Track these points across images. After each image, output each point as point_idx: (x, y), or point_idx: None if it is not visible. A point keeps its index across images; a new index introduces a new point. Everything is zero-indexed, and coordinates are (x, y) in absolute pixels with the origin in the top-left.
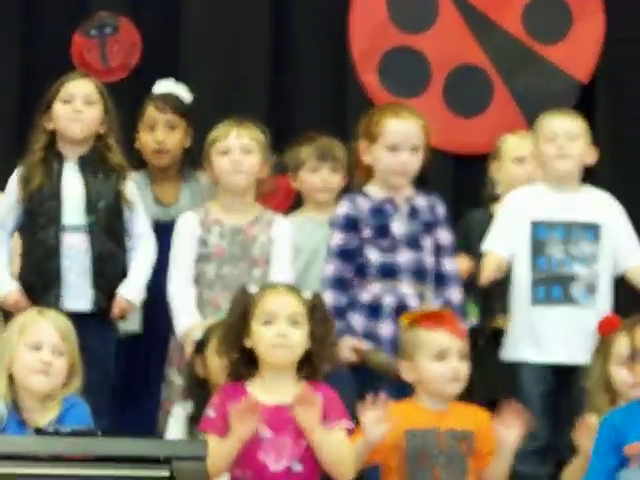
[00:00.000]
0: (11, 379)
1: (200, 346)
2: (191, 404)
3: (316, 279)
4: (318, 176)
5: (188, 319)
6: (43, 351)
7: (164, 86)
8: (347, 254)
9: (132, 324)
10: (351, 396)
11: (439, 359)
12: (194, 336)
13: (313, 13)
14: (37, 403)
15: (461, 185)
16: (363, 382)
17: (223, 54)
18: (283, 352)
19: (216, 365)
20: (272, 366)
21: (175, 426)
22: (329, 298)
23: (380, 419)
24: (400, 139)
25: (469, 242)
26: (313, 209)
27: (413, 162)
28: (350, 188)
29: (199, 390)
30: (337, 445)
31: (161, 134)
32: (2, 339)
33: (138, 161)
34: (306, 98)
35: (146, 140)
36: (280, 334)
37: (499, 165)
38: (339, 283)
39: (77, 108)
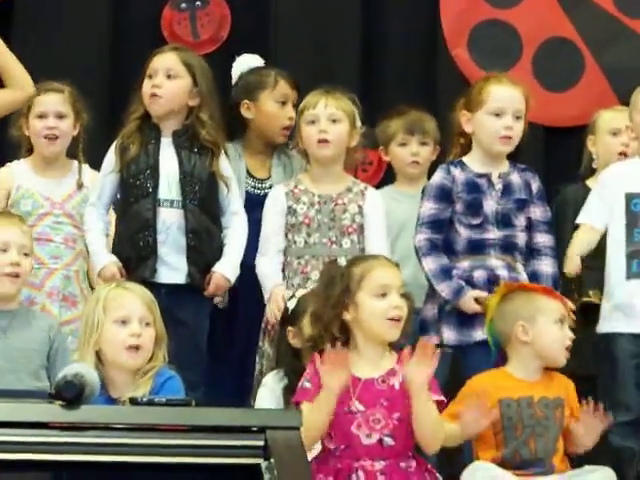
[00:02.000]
0: (97, 356)
1: (294, 317)
2: (282, 374)
3: (404, 251)
4: (407, 149)
5: (275, 282)
6: (133, 324)
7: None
8: (438, 224)
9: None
10: (444, 371)
11: (558, 325)
12: (286, 304)
13: None
14: (128, 379)
15: (552, 158)
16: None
17: (314, 29)
18: (398, 325)
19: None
20: (378, 340)
21: (266, 395)
22: (430, 264)
23: (480, 416)
24: (505, 104)
25: (565, 216)
26: (404, 183)
27: (517, 128)
28: (443, 161)
29: (293, 360)
30: (434, 416)
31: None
32: (84, 315)
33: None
34: (397, 73)
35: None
36: (397, 306)
37: (595, 139)
38: (434, 249)
39: (155, 83)
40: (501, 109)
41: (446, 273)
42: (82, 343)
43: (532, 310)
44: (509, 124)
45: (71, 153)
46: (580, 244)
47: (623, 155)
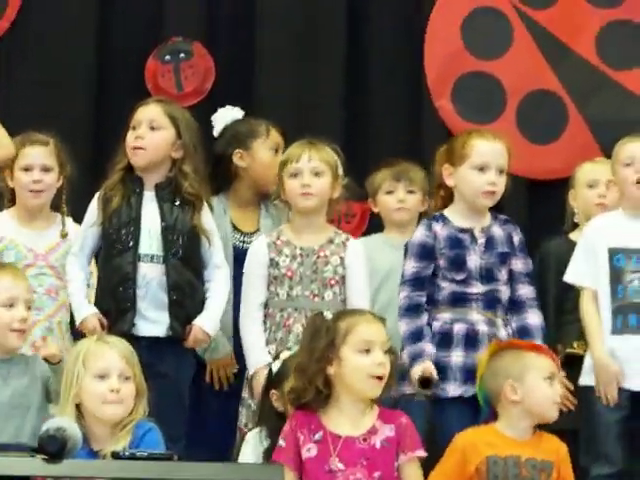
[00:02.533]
0: (77, 409)
1: (277, 379)
2: (265, 432)
3: (387, 300)
4: (394, 196)
5: (258, 357)
6: (112, 379)
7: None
8: (419, 282)
9: (224, 347)
10: (423, 425)
11: (547, 381)
12: (272, 367)
13: (388, 40)
14: (107, 432)
15: (535, 211)
16: (437, 410)
17: (298, 81)
18: (380, 383)
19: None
20: (359, 396)
21: (249, 452)
22: (403, 326)
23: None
24: (488, 159)
25: (547, 269)
26: (392, 231)
27: (500, 183)
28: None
29: (276, 422)
30: None
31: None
32: (65, 368)
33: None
34: (382, 125)
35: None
36: (381, 363)
37: (575, 193)
38: (413, 309)
39: (138, 134)
40: (485, 164)
41: (415, 335)
42: (63, 396)
43: (521, 368)
44: (493, 179)
45: (54, 204)
46: (597, 326)
47: (601, 206)
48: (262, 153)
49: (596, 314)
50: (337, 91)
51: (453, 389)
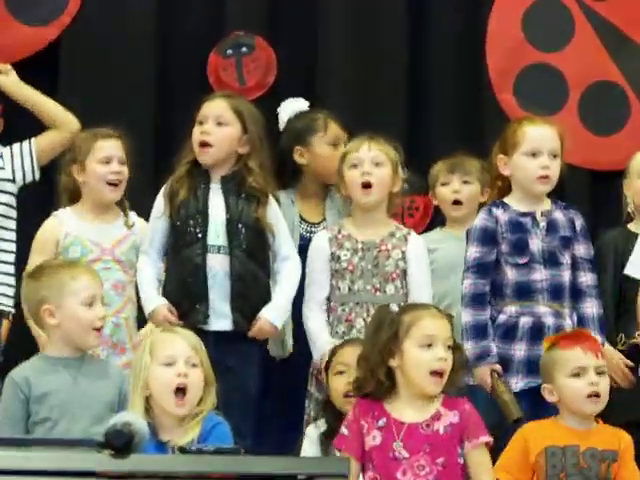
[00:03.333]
0: (147, 402)
1: (326, 367)
2: (323, 421)
3: (450, 293)
4: (449, 188)
5: (324, 345)
6: (179, 364)
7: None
8: (483, 268)
9: (285, 346)
10: (491, 412)
11: (576, 376)
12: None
13: (450, 33)
14: (176, 422)
15: (599, 203)
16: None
17: (360, 73)
18: (440, 380)
19: (336, 386)
20: (420, 391)
21: (309, 446)
22: (467, 316)
23: None
24: (539, 144)
25: (602, 260)
26: (451, 225)
27: (554, 167)
28: None
29: (330, 408)
30: None
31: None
32: (134, 361)
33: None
34: (444, 118)
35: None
36: (441, 358)
37: (628, 182)
38: (477, 299)
39: (205, 129)
40: (537, 149)
41: (479, 331)
42: (132, 388)
43: (551, 368)
44: (546, 163)
45: None
46: None
47: None
48: (321, 149)
49: None
50: (400, 85)
51: (515, 382)
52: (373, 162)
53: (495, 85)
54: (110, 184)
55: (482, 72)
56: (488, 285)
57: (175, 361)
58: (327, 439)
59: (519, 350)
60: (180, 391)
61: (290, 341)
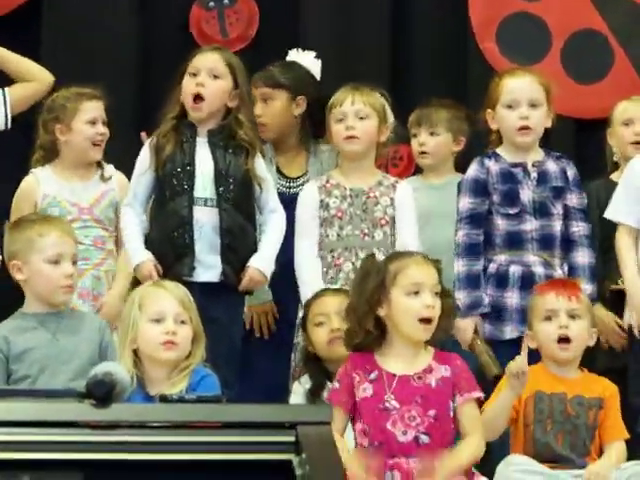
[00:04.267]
0: (135, 354)
1: (303, 321)
2: (307, 380)
3: (427, 241)
4: (416, 141)
5: (313, 289)
6: (167, 321)
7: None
8: (476, 218)
9: (264, 294)
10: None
11: (547, 320)
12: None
13: None
14: (164, 376)
15: (583, 151)
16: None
17: (342, 24)
18: (429, 326)
19: (316, 338)
20: (409, 339)
21: (296, 402)
22: (459, 267)
23: (523, 369)
24: (516, 95)
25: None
26: (426, 175)
27: (535, 116)
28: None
29: (313, 363)
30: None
31: (257, 108)
32: (122, 314)
33: None
34: (426, 67)
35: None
36: (429, 306)
37: (612, 131)
38: (471, 250)
39: (199, 81)
40: (514, 100)
41: (471, 281)
42: (120, 341)
43: (530, 313)
44: (524, 114)
45: None
46: (630, 258)
47: (636, 145)
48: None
49: (631, 247)
50: (381, 35)
51: (510, 330)
52: (357, 116)
53: (477, 34)
54: (96, 144)
55: (464, 21)
56: (482, 236)
57: (164, 318)
58: (313, 395)
59: (510, 298)
60: (168, 344)
61: (268, 291)
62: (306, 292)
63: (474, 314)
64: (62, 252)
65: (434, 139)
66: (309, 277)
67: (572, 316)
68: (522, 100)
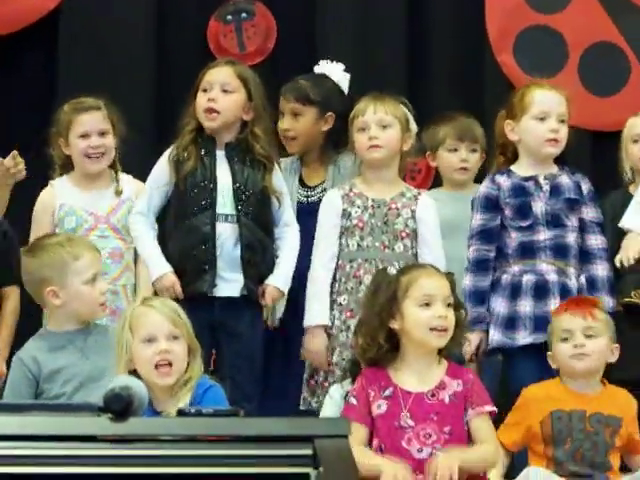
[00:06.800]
0: (136, 375)
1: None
2: (349, 383)
3: (449, 253)
4: (457, 155)
5: (317, 315)
6: (159, 341)
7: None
8: (487, 234)
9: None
10: (494, 381)
11: (564, 341)
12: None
13: None
14: (167, 393)
15: (600, 164)
16: (507, 360)
17: (360, 38)
18: (443, 334)
19: None
20: (424, 348)
21: (330, 407)
22: (467, 281)
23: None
24: (548, 107)
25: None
26: (450, 188)
27: (562, 131)
28: (489, 169)
29: (357, 368)
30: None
31: (286, 122)
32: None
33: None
34: (443, 79)
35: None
36: (441, 316)
37: (623, 147)
38: (480, 265)
39: (211, 96)
40: (545, 113)
41: (477, 296)
42: (117, 363)
43: (550, 335)
44: (555, 127)
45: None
46: (633, 252)
47: None
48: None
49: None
50: (399, 48)
51: (522, 337)
52: (379, 125)
53: (494, 46)
54: (91, 157)
55: (482, 33)
56: (493, 252)
57: (155, 337)
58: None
59: (524, 306)
60: (164, 366)
61: (281, 310)
62: (310, 311)
63: (475, 329)
64: (96, 271)
65: (474, 156)
66: (316, 297)
67: (588, 335)
68: (553, 113)
